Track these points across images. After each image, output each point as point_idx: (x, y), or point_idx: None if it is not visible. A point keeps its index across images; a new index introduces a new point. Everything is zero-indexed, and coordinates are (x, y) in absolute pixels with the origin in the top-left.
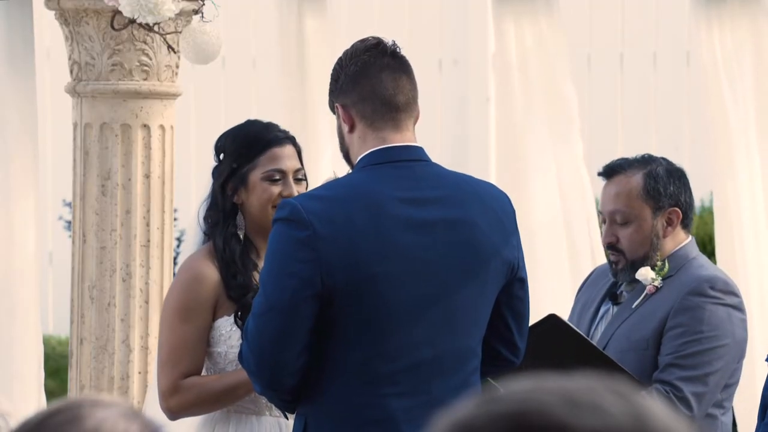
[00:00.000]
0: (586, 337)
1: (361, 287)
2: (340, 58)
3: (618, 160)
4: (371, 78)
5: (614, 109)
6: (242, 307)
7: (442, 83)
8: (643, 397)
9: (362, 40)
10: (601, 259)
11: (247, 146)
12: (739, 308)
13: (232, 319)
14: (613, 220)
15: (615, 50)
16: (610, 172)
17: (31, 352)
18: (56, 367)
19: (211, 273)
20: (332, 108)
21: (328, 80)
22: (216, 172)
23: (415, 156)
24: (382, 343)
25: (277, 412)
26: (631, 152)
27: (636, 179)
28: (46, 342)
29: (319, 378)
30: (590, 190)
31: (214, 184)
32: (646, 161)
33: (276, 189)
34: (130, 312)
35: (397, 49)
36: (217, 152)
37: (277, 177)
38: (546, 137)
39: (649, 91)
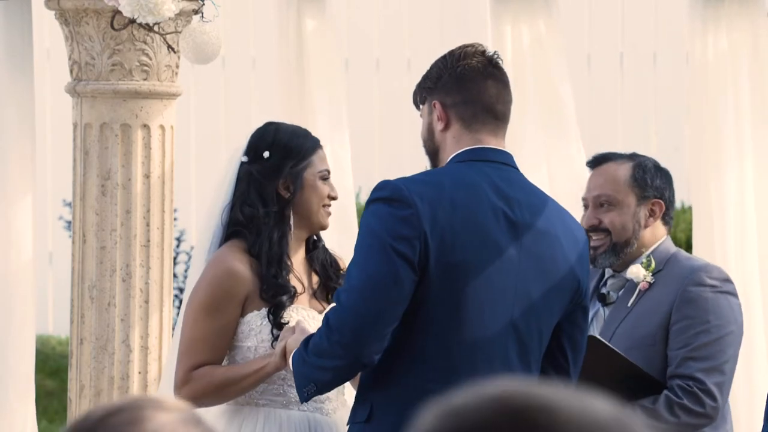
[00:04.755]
0: (618, 351)
1: (453, 272)
2: (445, 58)
3: (606, 152)
4: (477, 83)
5: (614, 109)
6: (275, 306)
7: None
8: (625, 408)
9: (468, 45)
10: None
11: (298, 145)
12: (735, 294)
13: (263, 313)
14: (597, 204)
15: (615, 50)
16: (599, 160)
17: (27, 352)
18: (56, 367)
19: (243, 269)
20: (419, 101)
21: (328, 80)
22: (262, 170)
23: (508, 161)
24: (463, 332)
25: (305, 406)
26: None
27: (625, 167)
28: (46, 342)
29: (394, 363)
30: None
31: (258, 181)
32: (636, 155)
33: (327, 188)
34: (130, 312)
35: (500, 62)
36: (260, 150)
37: (328, 177)
38: (541, 138)
39: (649, 91)
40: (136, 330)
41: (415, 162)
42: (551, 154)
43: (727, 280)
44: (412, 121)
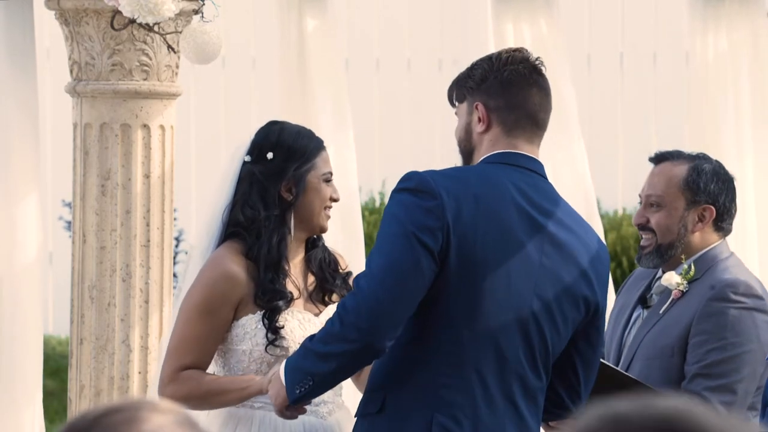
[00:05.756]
0: (615, 367)
1: (472, 267)
2: (491, 60)
3: (669, 150)
4: (523, 90)
5: (614, 109)
6: (271, 310)
7: (442, 83)
8: None
9: (514, 50)
10: None
11: (302, 147)
12: (763, 310)
13: (258, 317)
14: (647, 203)
15: (615, 50)
16: (660, 158)
17: (33, 352)
18: (56, 367)
19: (239, 272)
20: (456, 99)
21: (329, 80)
22: (265, 171)
23: (538, 169)
24: (477, 328)
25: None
26: (631, 152)
27: (680, 169)
28: (46, 342)
29: (409, 355)
30: (593, 194)
31: (261, 183)
32: (698, 157)
33: (329, 190)
34: (130, 312)
35: (543, 69)
36: (263, 150)
37: (331, 179)
38: (544, 138)
39: (649, 91)
40: (136, 330)
41: (415, 162)
42: (554, 153)
43: (756, 296)
44: (412, 121)
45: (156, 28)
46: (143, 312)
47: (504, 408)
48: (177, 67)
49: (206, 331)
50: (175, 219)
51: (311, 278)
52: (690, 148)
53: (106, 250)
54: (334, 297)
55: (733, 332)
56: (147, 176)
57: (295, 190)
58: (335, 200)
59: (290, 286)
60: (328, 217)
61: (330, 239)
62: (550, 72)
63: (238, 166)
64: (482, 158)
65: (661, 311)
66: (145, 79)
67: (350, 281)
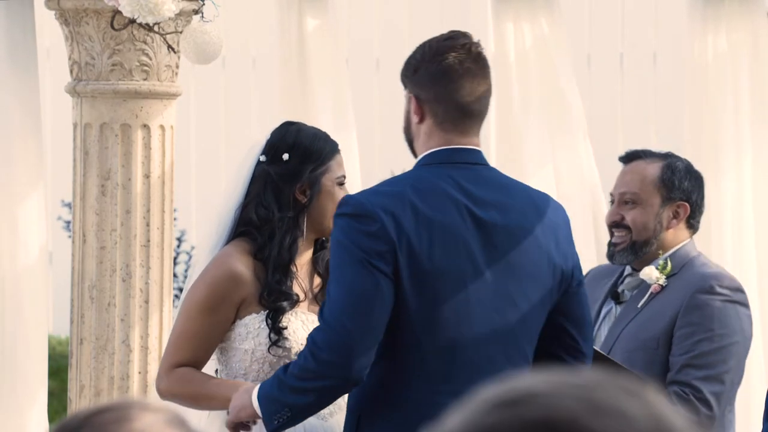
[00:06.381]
0: (608, 356)
1: (425, 280)
2: (423, 50)
3: (640, 149)
4: (452, 82)
5: (614, 109)
6: (275, 311)
7: None
8: (658, 399)
9: (449, 37)
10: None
11: (319, 149)
12: (746, 304)
13: (262, 316)
14: (621, 201)
15: (615, 50)
16: (630, 156)
17: (36, 352)
18: (56, 367)
19: (245, 272)
20: (403, 86)
21: (329, 80)
22: (281, 172)
23: (477, 160)
24: (440, 340)
25: None
26: None
27: (654, 166)
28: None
29: (378, 374)
30: (600, 192)
31: (275, 184)
32: (669, 155)
33: (342, 194)
34: (130, 312)
35: (481, 51)
36: (279, 151)
37: (344, 182)
38: (546, 137)
39: (649, 91)
40: (136, 330)
41: (415, 162)
42: (557, 152)
43: (739, 290)
44: None
45: (156, 28)
46: (143, 312)
47: None
48: (177, 67)
49: (206, 328)
50: (175, 219)
51: (317, 279)
52: (689, 147)
53: (106, 250)
54: None
55: (720, 324)
56: (147, 176)
57: (309, 193)
58: None
59: (296, 288)
60: None
61: None
62: (553, 70)
63: (252, 166)
64: (420, 156)
65: (639, 305)
66: (145, 79)
67: None
